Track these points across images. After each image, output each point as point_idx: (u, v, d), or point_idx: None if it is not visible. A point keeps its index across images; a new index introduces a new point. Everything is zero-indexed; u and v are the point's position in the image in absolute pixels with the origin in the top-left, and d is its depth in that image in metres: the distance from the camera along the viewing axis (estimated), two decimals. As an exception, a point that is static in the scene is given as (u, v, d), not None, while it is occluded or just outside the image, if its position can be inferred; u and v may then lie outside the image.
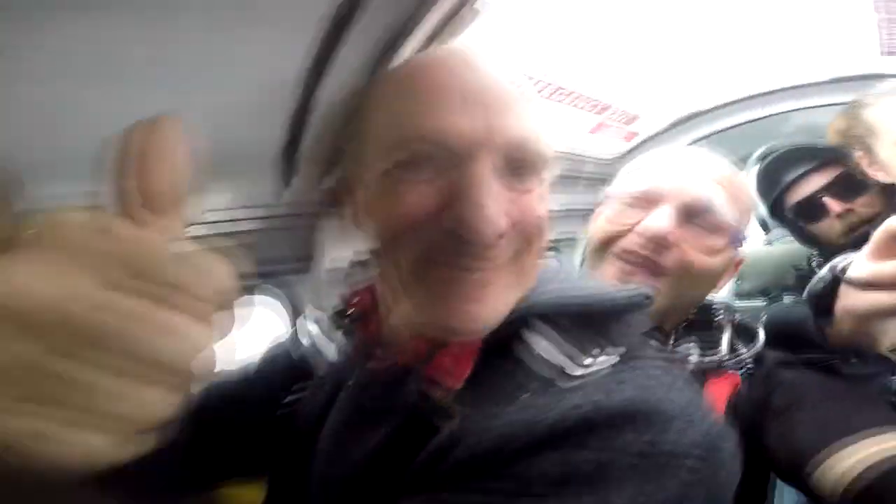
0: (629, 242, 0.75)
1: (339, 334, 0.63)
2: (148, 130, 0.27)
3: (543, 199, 0.51)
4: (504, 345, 0.50)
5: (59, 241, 0.24)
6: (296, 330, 0.71)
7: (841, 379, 0.71)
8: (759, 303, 1.58)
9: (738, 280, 1.60)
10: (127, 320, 0.24)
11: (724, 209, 0.75)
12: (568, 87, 1.04)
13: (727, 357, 0.75)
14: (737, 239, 0.78)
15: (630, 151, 1.37)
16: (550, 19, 0.90)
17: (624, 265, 0.75)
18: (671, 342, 0.79)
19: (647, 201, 0.77)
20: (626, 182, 0.81)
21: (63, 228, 0.24)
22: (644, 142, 1.34)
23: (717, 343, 0.77)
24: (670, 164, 0.80)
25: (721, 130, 1.30)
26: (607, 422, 0.42)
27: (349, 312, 0.63)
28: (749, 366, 0.76)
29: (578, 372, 0.46)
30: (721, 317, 0.82)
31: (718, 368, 0.75)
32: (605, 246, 0.79)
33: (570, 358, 0.47)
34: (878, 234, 0.59)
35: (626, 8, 0.94)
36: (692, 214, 0.75)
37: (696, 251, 0.74)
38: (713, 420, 0.46)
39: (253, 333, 1.06)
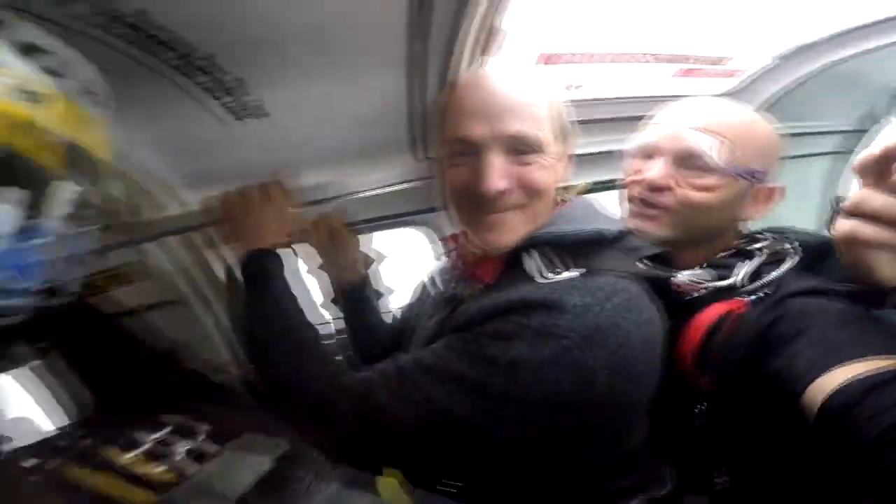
0: (634, 190, 0.93)
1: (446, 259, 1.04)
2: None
3: (544, 169, 0.79)
4: (514, 262, 0.81)
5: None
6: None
7: (860, 307, 0.71)
8: None
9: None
10: None
11: (713, 152, 0.85)
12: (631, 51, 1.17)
13: (742, 283, 0.83)
14: (734, 174, 0.86)
15: (738, 90, 1.36)
16: None
17: (633, 208, 0.94)
18: (700, 268, 0.89)
19: (647, 154, 0.93)
20: (636, 138, 0.96)
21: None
22: (756, 78, 1.31)
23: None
24: (668, 118, 0.92)
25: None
26: (532, 306, 0.70)
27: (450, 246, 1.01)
28: (766, 291, 0.81)
29: (542, 281, 0.74)
30: (760, 245, 0.89)
31: (731, 293, 0.83)
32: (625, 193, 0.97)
33: (539, 272, 0.76)
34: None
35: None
36: (683, 160, 0.88)
37: (692, 189, 0.87)
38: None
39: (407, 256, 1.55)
